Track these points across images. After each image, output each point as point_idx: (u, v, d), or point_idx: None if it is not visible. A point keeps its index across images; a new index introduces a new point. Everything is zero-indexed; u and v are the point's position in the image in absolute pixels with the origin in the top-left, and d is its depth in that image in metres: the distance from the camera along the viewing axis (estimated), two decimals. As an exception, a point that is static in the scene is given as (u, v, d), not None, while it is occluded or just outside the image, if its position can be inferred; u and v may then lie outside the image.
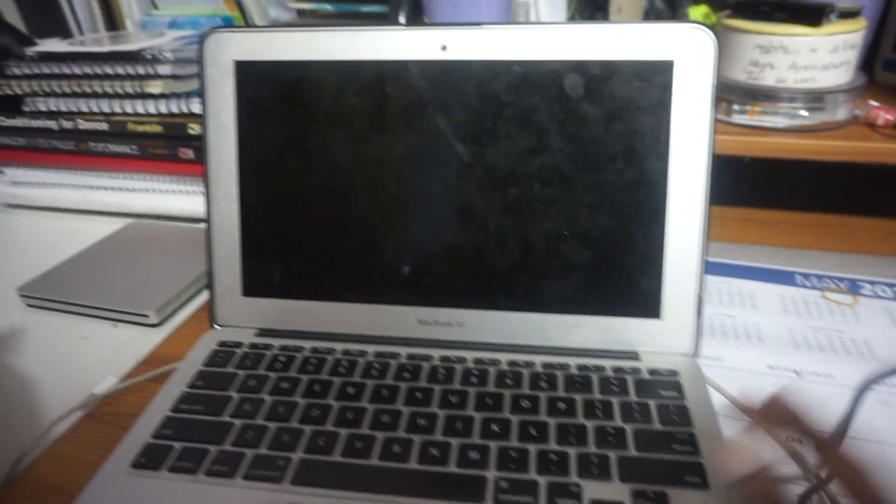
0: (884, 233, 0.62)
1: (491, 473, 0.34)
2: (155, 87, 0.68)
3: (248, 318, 0.46)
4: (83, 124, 0.72)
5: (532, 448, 0.35)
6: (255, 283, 0.45)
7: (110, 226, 0.69)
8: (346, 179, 0.43)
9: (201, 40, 0.43)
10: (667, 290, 0.41)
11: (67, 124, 0.72)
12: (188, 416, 0.39)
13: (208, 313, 0.46)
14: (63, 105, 0.72)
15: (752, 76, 0.56)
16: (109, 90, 0.70)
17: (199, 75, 0.44)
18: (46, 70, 0.71)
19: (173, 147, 0.69)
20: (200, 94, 0.44)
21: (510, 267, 0.42)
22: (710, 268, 0.41)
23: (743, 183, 0.67)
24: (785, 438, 0.38)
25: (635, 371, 0.41)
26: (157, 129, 0.69)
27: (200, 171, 0.68)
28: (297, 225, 0.44)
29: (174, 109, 0.69)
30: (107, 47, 0.71)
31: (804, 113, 0.55)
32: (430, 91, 0.41)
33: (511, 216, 0.42)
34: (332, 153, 0.43)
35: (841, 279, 0.53)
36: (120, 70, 0.69)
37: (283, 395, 0.40)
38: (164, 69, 0.68)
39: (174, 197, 0.72)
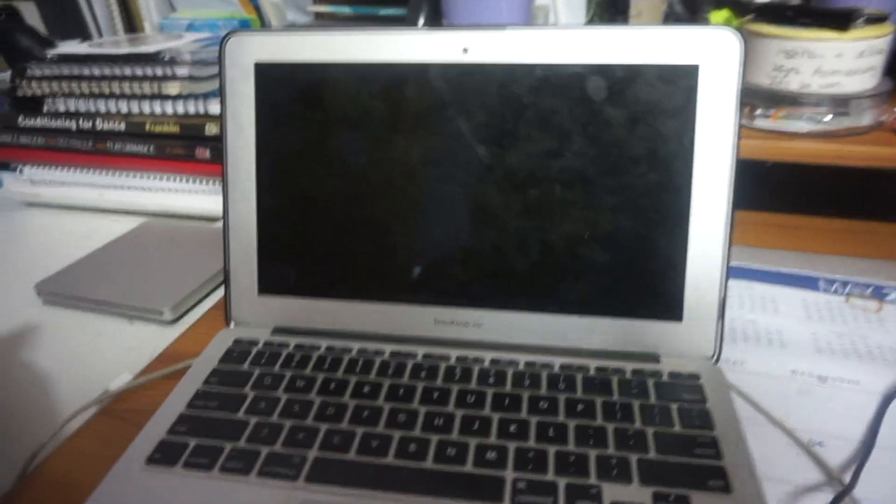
0: (908, 239, 0.61)
1: (509, 474, 0.33)
2: (172, 89, 0.69)
3: (263, 317, 0.46)
4: (101, 125, 0.72)
5: (551, 449, 0.35)
6: (271, 282, 0.45)
7: (126, 224, 0.69)
8: (365, 181, 0.43)
9: (222, 42, 0.43)
10: (689, 294, 0.40)
11: (86, 125, 0.73)
12: (203, 413, 0.39)
13: (224, 311, 0.46)
14: (82, 106, 0.73)
15: (775, 81, 0.55)
16: (127, 91, 0.70)
17: (219, 77, 0.44)
18: (66, 71, 0.72)
19: (190, 147, 0.70)
20: (220, 95, 0.44)
21: (530, 268, 0.42)
22: (731, 272, 0.40)
23: (765, 187, 0.66)
24: (807, 442, 0.38)
25: (656, 374, 0.40)
26: (174, 129, 0.70)
27: (216, 170, 0.69)
28: (315, 225, 0.44)
29: (191, 110, 0.69)
30: (125, 49, 0.71)
31: (828, 118, 0.55)
32: (450, 93, 0.41)
33: (531, 218, 0.41)
34: (351, 154, 0.43)
35: (866, 285, 0.52)
36: (138, 71, 0.70)
37: (298, 393, 0.39)
38: (181, 71, 0.68)
39: (190, 196, 0.72)
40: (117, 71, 0.70)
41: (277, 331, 0.45)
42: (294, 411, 0.38)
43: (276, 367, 0.42)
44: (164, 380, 0.45)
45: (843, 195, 0.67)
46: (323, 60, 0.42)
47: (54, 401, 0.45)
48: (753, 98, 0.57)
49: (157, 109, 0.70)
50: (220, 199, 0.45)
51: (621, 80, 0.39)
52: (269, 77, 0.43)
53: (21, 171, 0.77)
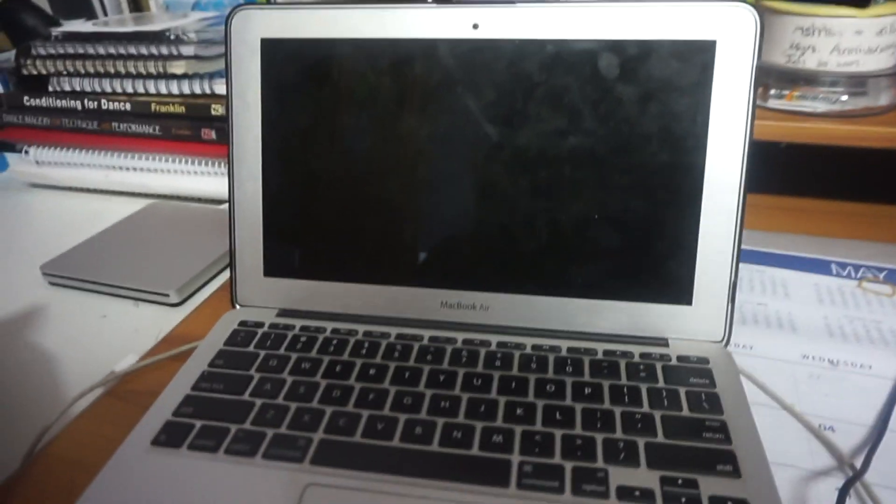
0: (923, 223, 0.60)
1: (515, 457, 0.33)
2: (178, 68, 0.68)
3: (269, 299, 0.45)
4: (106, 104, 0.72)
5: (557, 433, 0.34)
6: (277, 264, 0.45)
7: (132, 206, 0.69)
8: (372, 160, 0.42)
9: (227, 17, 0.42)
10: (699, 277, 0.40)
11: (91, 104, 0.72)
12: (208, 395, 0.38)
13: (229, 293, 0.46)
14: (87, 85, 0.72)
15: (791, 59, 0.54)
16: (133, 70, 0.70)
17: (225, 53, 0.43)
18: (71, 50, 0.72)
19: (195, 128, 0.69)
20: (226, 72, 0.43)
21: (538, 250, 0.41)
22: (742, 255, 0.39)
23: (778, 170, 0.65)
24: (818, 427, 0.37)
25: (664, 357, 0.39)
26: (180, 109, 0.69)
27: (222, 151, 0.68)
28: (321, 205, 0.44)
29: (197, 90, 0.69)
30: (130, 28, 0.71)
31: (844, 98, 0.53)
32: (459, 70, 0.40)
33: (540, 199, 0.41)
34: (358, 133, 0.42)
35: (879, 269, 0.51)
36: (143, 50, 0.69)
37: (303, 376, 0.39)
38: (187, 50, 0.68)
39: (196, 178, 0.72)
40: (122, 50, 0.70)
41: (283, 313, 0.45)
42: (299, 393, 0.38)
43: (282, 350, 0.42)
44: (170, 361, 0.45)
45: (856, 178, 0.66)
46: (330, 36, 0.42)
47: (60, 382, 0.45)
48: (768, 77, 0.56)
49: (163, 89, 0.70)
50: (226, 181, 0.45)
51: (635, 56, 0.38)
52: (276, 53, 0.42)
53: (26, 152, 0.77)
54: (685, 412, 0.36)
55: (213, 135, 0.69)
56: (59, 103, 0.74)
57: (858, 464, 0.35)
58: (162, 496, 0.32)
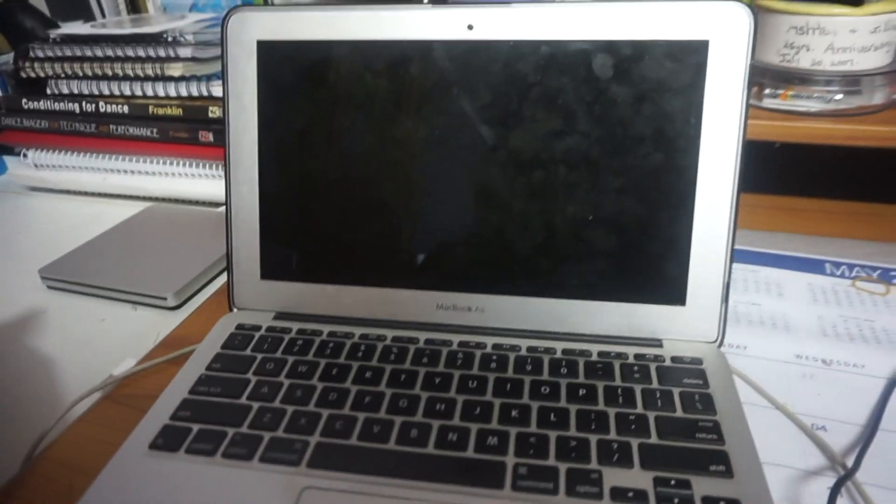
0: (917, 221, 0.60)
1: (510, 459, 0.33)
2: (175, 70, 0.68)
3: (266, 302, 0.45)
4: (104, 107, 0.72)
5: (552, 434, 0.35)
6: (274, 267, 0.45)
7: (130, 209, 0.69)
8: (368, 162, 0.43)
9: (224, 19, 0.43)
10: (693, 277, 0.40)
11: (89, 107, 0.73)
12: (206, 399, 0.39)
13: (227, 296, 0.46)
14: (85, 87, 0.73)
15: (785, 58, 0.54)
16: (130, 73, 0.70)
17: (222, 55, 0.43)
18: (69, 52, 0.72)
19: (193, 130, 0.69)
20: (222, 74, 0.43)
21: (532, 252, 0.41)
22: (735, 255, 0.40)
23: (771, 169, 0.65)
24: (810, 427, 0.37)
25: (658, 358, 0.40)
26: (178, 111, 0.69)
27: (220, 154, 0.68)
28: (317, 208, 0.44)
29: (194, 92, 0.69)
30: (128, 30, 0.71)
31: (839, 97, 0.54)
32: (455, 72, 0.41)
33: (535, 200, 0.41)
34: (354, 135, 0.42)
35: (873, 268, 0.52)
36: (141, 52, 0.69)
37: (300, 379, 0.40)
38: (184, 51, 0.68)
39: (193, 181, 0.72)
40: (120, 52, 0.70)
41: (280, 316, 0.45)
42: (296, 397, 0.38)
43: (279, 353, 0.42)
44: (168, 365, 0.46)
45: (850, 177, 0.66)
46: (326, 38, 0.42)
47: (58, 386, 0.45)
48: (762, 77, 0.56)
49: (160, 91, 0.70)
50: (223, 184, 0.45)
51: (629, 56, 0.39)
52: (272, 55, 0.43)
53: (25, 156, 0.77)
54: (679, 413, 0.36)
55: (211, 137, 0.69)
56: (58, 106, 0.74)
57: (850, 463, 0.35)
58: (160, 500, 0.33)
